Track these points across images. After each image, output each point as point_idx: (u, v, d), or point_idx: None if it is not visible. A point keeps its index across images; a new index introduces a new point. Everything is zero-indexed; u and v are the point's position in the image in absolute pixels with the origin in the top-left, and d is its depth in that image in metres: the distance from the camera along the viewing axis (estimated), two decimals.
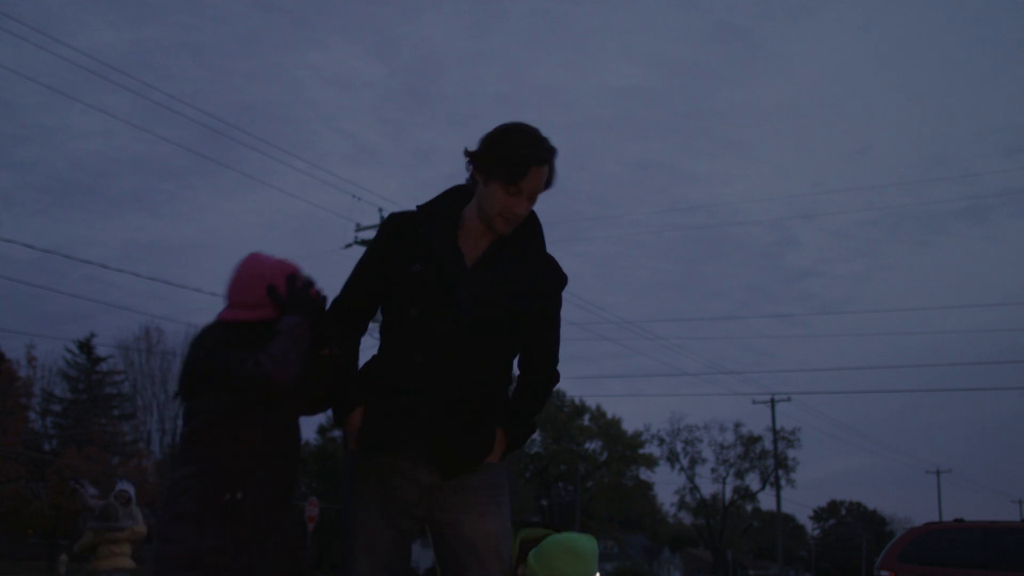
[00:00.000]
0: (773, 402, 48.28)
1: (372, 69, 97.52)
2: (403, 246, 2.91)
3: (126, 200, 72.65)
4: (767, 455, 59.46)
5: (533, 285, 2.94)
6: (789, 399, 48.14)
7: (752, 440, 61.72)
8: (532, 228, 3.02)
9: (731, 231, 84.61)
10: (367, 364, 3.00)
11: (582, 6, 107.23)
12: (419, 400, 2.81)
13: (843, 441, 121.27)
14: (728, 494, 62.74)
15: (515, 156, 2.80)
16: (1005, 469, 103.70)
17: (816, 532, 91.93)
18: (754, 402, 49.00)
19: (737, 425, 62.18)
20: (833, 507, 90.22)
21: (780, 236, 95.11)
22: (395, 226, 2.97)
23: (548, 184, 2.92)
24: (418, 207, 3.01)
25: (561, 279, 3.01)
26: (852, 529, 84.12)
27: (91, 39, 73.85)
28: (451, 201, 3.00)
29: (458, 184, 3.05)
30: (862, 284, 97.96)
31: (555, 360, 3.05)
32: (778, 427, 50.19)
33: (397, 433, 2.83)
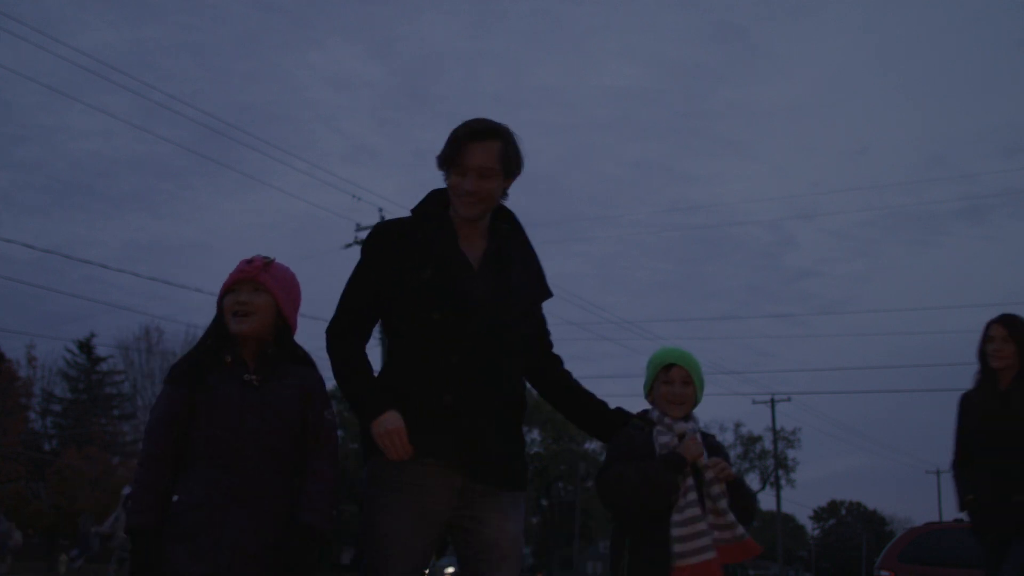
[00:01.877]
0: (773, 402, 48.26)
1: (371, 69, 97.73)
2: (405, 253, 2.93)
3: (126, 200, 72.62)
4: (767, 455, 59.48)
5: (534, 283, 3.08)
6: (789, 399, 48.17)
7: (752, 440, 61.73)
8: (516, 228, 3.14)
9: (730, 231, 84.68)
10: (385, 372, 2.98)
11: (581, 6, 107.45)
12: (461, 400, 2.85)
13: (843, 441, 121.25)
14: None
15: (451, 138, 2.95)
16: None
17: (816, 532, 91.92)
18: (754, 402, 49.00)
19: (737, 425, 62.27)
20: (833, 507, 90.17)
21: (779, 236, 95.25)
22: (390, 235, 2.99)
23: (508, 166, 2.97)
24: (411, 211, 3.05)
25: (544, 274, 3.15)
26: (852, 529, 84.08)
27: (91, 39, 73.95)
28: (438, 204, 3.05)
29: (437, 187, 3.09)
30: (862, 284, 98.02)
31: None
32: (778, 427, 50.23)
33: (444, 439, 2.83)
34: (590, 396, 3.26)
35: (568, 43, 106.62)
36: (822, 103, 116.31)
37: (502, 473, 2.92)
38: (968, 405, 5.01)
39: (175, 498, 2.70)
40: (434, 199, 3.07)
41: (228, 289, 2.87)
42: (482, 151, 2.92)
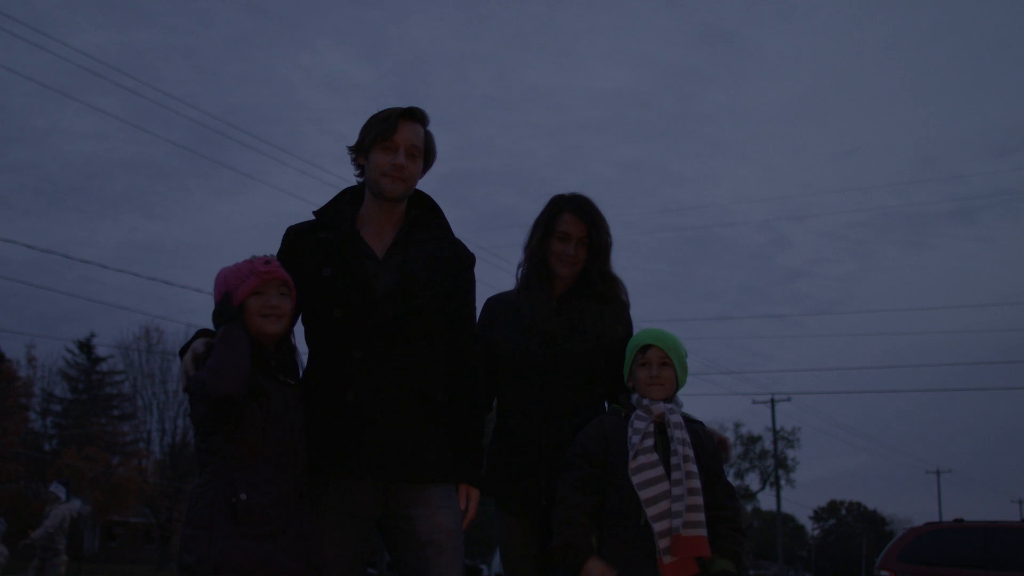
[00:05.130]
0: (773, 402, 48.25)
1: (362, 71, 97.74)
2: (307, 254, 2.92)
3: (120, 201, 72.25)
4: (767, 455, 59.47)
5: (447, 266, 3.00)
6: (789, 399, 48.14)
7: (752, 440, 61.73)
8: (434, 212, 3.09)
9: (722, 232, 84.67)
10: (304, 375, 2.95)
11: (570, 9, 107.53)
12: (364, 396, 2.82)
13: (843, 441, 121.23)
14: None
15: (383, 115, 2.95)
16: (1005, 469, 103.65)
17: (816, 532, 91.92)
18: (754, 402, 48.99)
19: (737, 425, 62.17)
20: (833, 507, 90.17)
21: (771, 237, 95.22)
22: (294, 237, 3.00)
23: (428, 154, 3.00)
24: (314, 213, 3.03)
25: (470, 258, 3.09)
26: (852, 529, 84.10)
27: (83, 40, 73.51)
28: (345, 202, 3.05)
29: (351, 186, 3.10)
30: (854, 285, 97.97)
31: (478, 357, 3.09)
32: (778, 427, 50.23)
33: (352, 450, 2.80)
34: (468, 432, 3.03)
35: (557, 45, 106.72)
36: (812, 105, 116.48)
37: (415, 468, 2.84)
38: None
39: (243, 496, 2.64)
40: (342, 198, 3.07)
41: (253, 291, 2.81)
42: (413, 130, 2.96)
